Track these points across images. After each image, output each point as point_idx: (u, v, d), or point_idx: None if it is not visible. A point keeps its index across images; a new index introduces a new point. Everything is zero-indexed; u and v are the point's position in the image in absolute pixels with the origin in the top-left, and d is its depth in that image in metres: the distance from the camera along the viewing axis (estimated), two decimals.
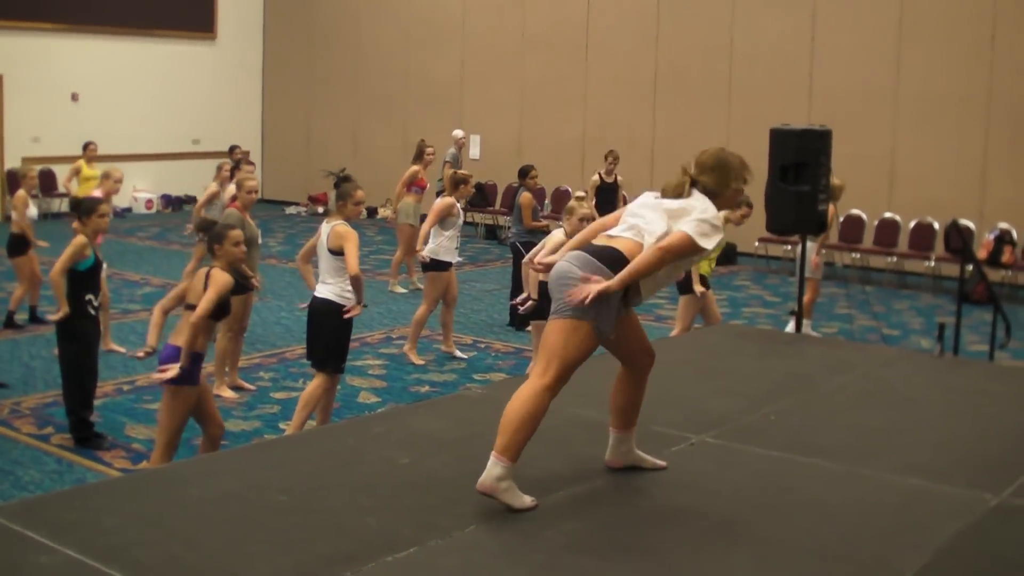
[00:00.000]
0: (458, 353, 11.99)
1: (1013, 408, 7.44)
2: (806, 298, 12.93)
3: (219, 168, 13.99)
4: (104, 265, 9.09)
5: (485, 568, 4.68)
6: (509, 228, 16.27)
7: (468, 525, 5.05)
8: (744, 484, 5.79)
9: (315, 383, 8.82)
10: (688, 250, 5.26)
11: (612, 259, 5.25)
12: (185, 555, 4.68)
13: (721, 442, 6.42)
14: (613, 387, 5.70)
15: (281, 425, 9.47)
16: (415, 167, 15.58)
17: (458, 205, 11.84)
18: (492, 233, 21.94)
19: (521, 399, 5.23)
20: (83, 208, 9.14)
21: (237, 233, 7.81)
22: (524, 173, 14.04)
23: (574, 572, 4.66)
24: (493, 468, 5.17)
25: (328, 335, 8.79)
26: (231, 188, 12.20)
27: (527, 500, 5.24)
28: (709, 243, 5.28)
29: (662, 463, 5.83)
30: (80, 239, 8.87)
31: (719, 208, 5.42)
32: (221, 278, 7.49)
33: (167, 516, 5.12)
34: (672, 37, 20.00)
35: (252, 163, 13.26)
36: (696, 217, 5.29)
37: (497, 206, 22.05)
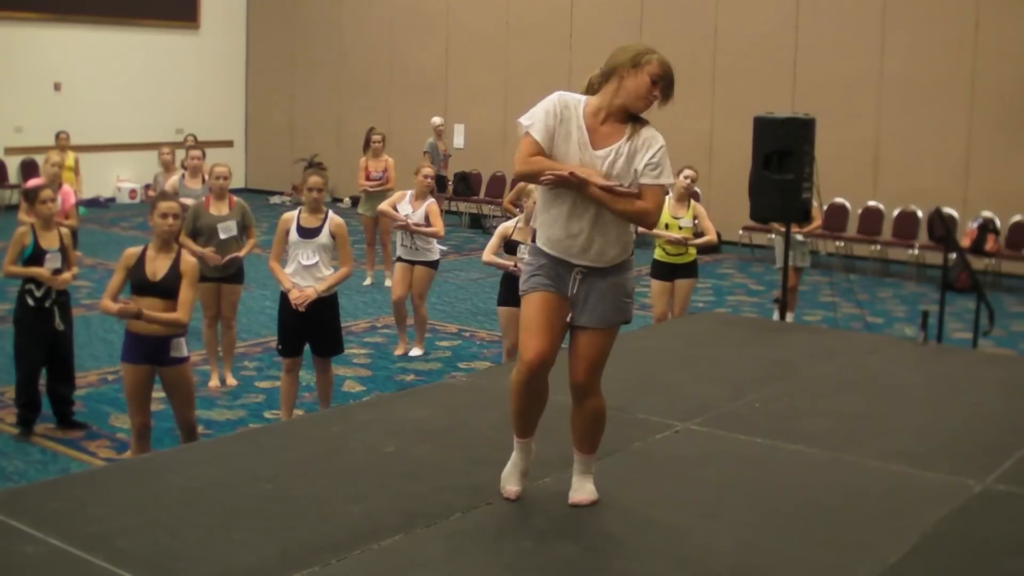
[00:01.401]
0: (404, 351, 11.81)
1: (996, 395, 7.47)
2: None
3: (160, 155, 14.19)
4: (47, 256, 8.74)
5: (470, 555, 4.68)
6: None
7: (453, 513, 5.06)
8: (729, 471, 5.81)
9: None
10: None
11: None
12: (169, 544, 4.67)
13: (706, 429, 6.44)
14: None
15: (266, 414, 9.46)
16: (361, 160, 15.44)
17: (409, 198, 11.36)
18: (477, 222, 21.90)
19: None
20: (27, 197, 9.05)
21: (166, 205, 7.50)
22: None
23: (560, 559, 4.66)
24: None
25: None
26: (173, 179, 12.21)
27: (508, 488, 5.23)
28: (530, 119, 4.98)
29: (583, 500, 5.28)
30: (20, 228, 8.79)
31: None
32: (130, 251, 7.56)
33: (151, 505, 5.12)
34: (656, 25, 19.98)
35: (198, 147, 13.09)
36: None
37: (482, 195, 22.03)
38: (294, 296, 8.62)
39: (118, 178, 24.25)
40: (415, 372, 10.94)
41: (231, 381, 10.42)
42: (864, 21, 18.13)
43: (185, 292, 7.42)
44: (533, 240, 5.14)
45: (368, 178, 15.27)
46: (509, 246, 9.58)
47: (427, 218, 11.21)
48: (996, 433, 6.57)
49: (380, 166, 15.33)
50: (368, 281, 15.37)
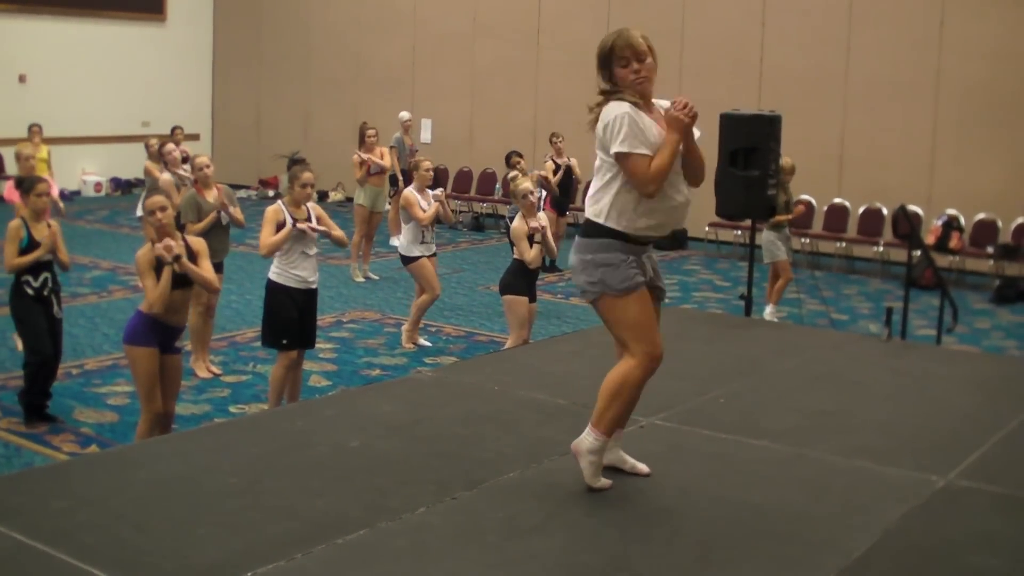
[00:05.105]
0: (422, 342, 11.89)
1: (959, 391, 7.51)
2: (780, 283, 13.01)
3: (147, 146, 14.17)
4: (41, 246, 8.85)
5: (435, 550, 4.68)
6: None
7: (418, 507, 5.05)
8: (693, 466, 5.82)
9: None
10: (633, 171, 5.05)
11: (587, 229, 5.26)
12: (134, 538, 4.65)
13: (671, 425, 6.45)
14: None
15: (231, 408, 9.43)
16: (355, 155, 15.48)
17: (418, 195, 11.63)
18: None
19: (611, 375, 5.29)
20: (23, 187, 9.03)
21: (151, 202, 7.61)
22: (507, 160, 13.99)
23: (523, 553, 4.67)
24: (586, 437, 5.31)
25: (265, 312, 8.96)
26: (167, 175, 12.27)
27: (603, 482, 5.35)
28: (632, 144, 5.02)
29: (644, 468, 5.60)
30: (13, 223, 8.80)
31: (627, 89, 5.17)
32: (138, 255, 7.53)
33: (116, 499, 5.10)
34: (623, 21, 19.81)
35: (175, 141, 13.13)
36: (611, 132, 5.10)
37: (448, 190, 22.00)
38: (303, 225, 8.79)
39: (83, 171, 24.11)
40: (380, 367, 10.93)
41: (216, 369, 10.46)
42: (830, 19, 18.20)
43: (208, 264, 7.86)
44: (604, 233, 5.17)
45: (369, 171, 15.36)
46: (529, 240, 10.02)
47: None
48: (959, 429, 6.60)
49: (375, 159, 15.48)
50: (361, 278, 15.36)
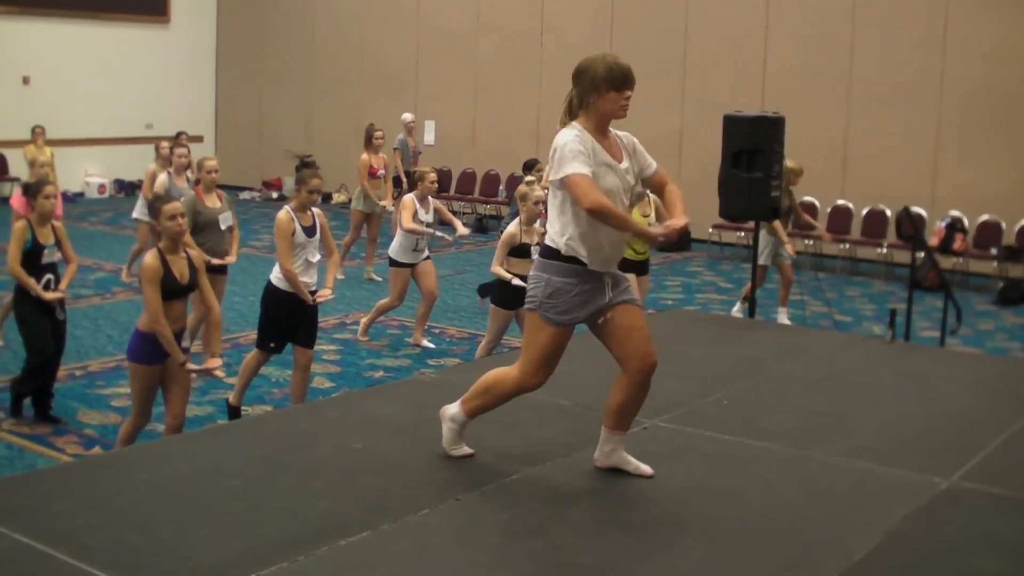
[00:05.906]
0: (425, 343, 11.89)
1: (962, 393, 7.50)
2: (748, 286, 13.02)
3: (157, 149, 14.10)
4: (45, 251, 8.87)
5: (438, 552, 4.68)
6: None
7: (421, 509, 5.06)
8: (696, 468, 5.83)
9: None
10: (572, 189, 5.16)
11: (546, 251, 5.41)
12: (135, 539, 4.66)
13: (674, 426, 6.45)
14: (613, 382, 5.60)
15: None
16: (364, 156, 15.47)
17: (417, 203, 11.63)
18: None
19: (493, 372, 5.62)
20: (29, 191, 9.05)
21: (171, 207, 7.44)
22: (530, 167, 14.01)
23: (526, 555, 4.67)
24: (453, 407, 5.77)
25: (261, 313, 9.00)
26: (163, 178, 12.24)
27: (463, 449, 5.78)
28: (572, 166, 5.14)
29: (647, 470, 5.61)
30: (19, 224, 8.82)
31: (597, 115, 5.31)
32: (145, 263, 7.33)
33: (117, 500, 5.10)
34: (627, 21, 19.99)
35: (185, 145, 13.10)
36: (556, 158, 5.26)
37: (451, 192, 22.00)
38: (320, 299, 8.89)
39: (87, 172, 24.11)
40: (384, 369, 10.92)
41: (219, 372, 10.47)
42: (833, 20, 18.18)
43: (206, 281, 7.73)
44: (561, 258, 5.32)
45: (373, 175, 15.33)
46: (521, 250, 9.94)
47: (438, 214, 12.07)
48: (962, 431, 6.60)
49: (381, 162, 15.48)
50: (368, 277, 15.45)
